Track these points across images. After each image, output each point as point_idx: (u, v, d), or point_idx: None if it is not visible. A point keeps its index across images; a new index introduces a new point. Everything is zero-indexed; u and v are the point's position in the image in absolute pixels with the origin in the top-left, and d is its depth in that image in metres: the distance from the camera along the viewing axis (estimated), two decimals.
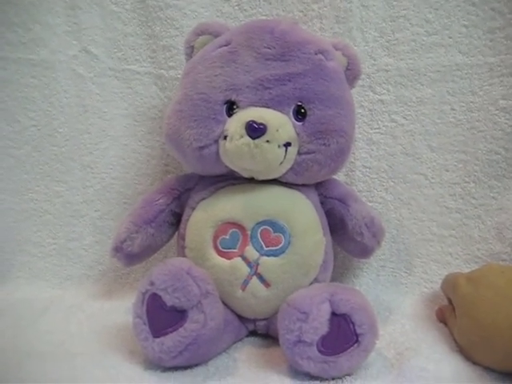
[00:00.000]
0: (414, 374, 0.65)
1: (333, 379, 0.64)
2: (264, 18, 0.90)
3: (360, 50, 0.89)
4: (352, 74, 0.78)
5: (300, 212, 0.73)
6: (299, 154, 0.71)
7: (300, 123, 0.71)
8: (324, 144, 0.71)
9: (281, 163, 0.70)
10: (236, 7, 0.91)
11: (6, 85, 0.93)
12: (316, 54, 0.73)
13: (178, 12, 0.90)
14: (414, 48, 0.88)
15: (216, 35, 0.76)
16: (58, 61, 0.93)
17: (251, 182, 0.73)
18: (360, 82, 0.89)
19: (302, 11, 0.89)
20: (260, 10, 0.90)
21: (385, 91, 0.90)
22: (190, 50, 0.78)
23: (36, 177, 0.95)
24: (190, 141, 0.71)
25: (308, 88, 0.71)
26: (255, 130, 0.67)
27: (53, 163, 0.95)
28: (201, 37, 0.77)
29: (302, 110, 0.71)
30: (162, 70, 0.92)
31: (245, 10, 0.90)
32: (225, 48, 0.73)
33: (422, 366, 0.66)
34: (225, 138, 0.70)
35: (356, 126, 0.88)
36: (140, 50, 0.93)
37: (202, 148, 0.71)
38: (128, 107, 0.94)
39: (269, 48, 0.72)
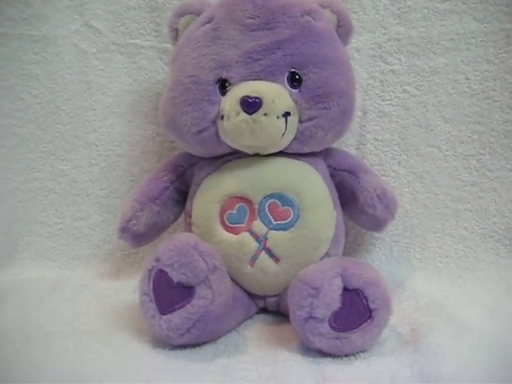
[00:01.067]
0: (429, 350, 0.63)
1: (346, 356, 0.62)
2: None
3: (370, 18, 0.87)
4: (344, 30, 0.76)
5: (309, 184, 0.71)
6: (300, 121, 0.70)
7: (296, 90, 0.69)
8: (325, 108, 0.69)
9: (283, 134, 0.68)
10: None
11: (7, 62, 0.92)
12: (302, 15, 0.71)
13: None
14: (426, 15, 0.86)
15: (198, 13, 0.74)
16: (61, 36, 0.91)
17: (257, 155, 0.71)
18: (370, 52, 0.88)
19: None
20: None
21: (396, 61, 0.88)
22: (175, 33, 0.76)
23: (40, 155, 0.94)
24: (187, 126, 0.70)
25: (299, 53, 0.69)
26: (251, 105, 0.65)
27: (57, 141, 0.93)
28: (183, 18, 0.75)
29: (297, 77, 0.69)
30: (167, 44, 0.90)
31: None
32: (208, 25, 0.71)
33: (437, 342, 0.65)
34: (222, 117, 0.68)
35: (367, 97, 0.88)
36: (144, 24, 0.91)
37: (200, 132, 0.70)
38: (133, 83, 0.92)
39: (252, 18, 0.69)
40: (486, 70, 0.86)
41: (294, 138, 0.70)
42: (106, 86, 0.92)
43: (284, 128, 0.68)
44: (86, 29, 0.91)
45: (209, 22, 0.72)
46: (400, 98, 0.88)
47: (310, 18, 0.71)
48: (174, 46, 0.77)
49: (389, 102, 0.89)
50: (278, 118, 0.66)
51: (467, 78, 0.86)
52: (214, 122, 0.70)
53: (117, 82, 0.92)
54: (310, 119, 0.69)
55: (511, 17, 0.83)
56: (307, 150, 0.73)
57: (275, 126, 0.67)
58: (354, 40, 0.86)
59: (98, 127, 0.93)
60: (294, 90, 0.69)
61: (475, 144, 0.87)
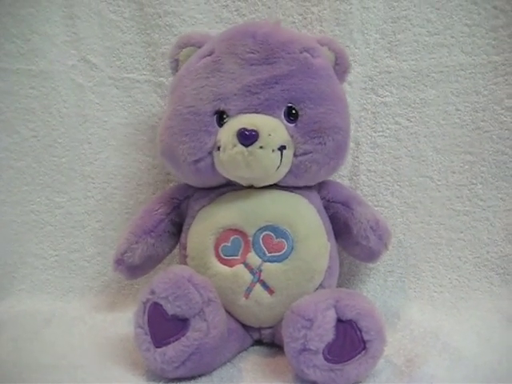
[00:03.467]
0: (424, 381, 0.63)
1: None
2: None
3: (361, 52, 0.89)
4: (341, 68, 0.77)
5: (302, 216, 0.72)
6: (295, 155, 0.70)
7: (292, 125, 0.70)
8: (320, 143, 0.70)
9: (278, 168, 0.69)
10: (235, 12, 0.90)
11: (5, 96, 0.92)
12: (301, 52, 0.72)
13: (177, 19, 0.89)
14: (416, 49, 0.88)
15: (199, 46, 0.75)
16: (57, 71, 0.92)
17: (251, 187, 0.72)
18: (362, 85, 0.89)
19: (302, 14, 0.88)
20: (259, 14, 0.89)
21: (388, 93, 0.89)
22: (175, 64, 0.78)
23: (36, 188, 0.94)
24: (184, 156, 0.71)
25: (296, 88, 0.70)
26: (247, 138, 0.66)
27: (53, 174, 0.94)
28: (184, 49, 0.77)
29: (293, 111, 0.70)
30: (162, 78, 0.91)
31: (243, 15, 0.90)
32: (208, 58, 0.72)
33: (432, 373, 0.65)
34: (218, 148, 0.69)
35: (359, 129, 0.89)
36: (139, 58, 0.92)
37: (196, 161, 0.71)
38: (128, 116, 0.93)
39: (252, 53, 0.71)
40: (476, 102, 0.87)
41: (289, 172, 0.71)
42: (102, 119, 0.93)
43: (279, 161, 0.68)
44: (83, 63, 0.92)
45: (209, 55, 0.73)
46: (392, 129, 0.89)
47: (309, 55, 0.72)
48: (173, 77, 0.78)
49: (381, 134, 0.90)
50: (273, 151, 0.67)
51: (457, 109, 0.88)
52: (210, 153, 0.70)
53: (112, 115, 0.93)
54: (305, 153, 0.70)
55: (498, 50, 0.85)
56: (301, 184, 0.73)
57: (270, 159, 0.67)
58: None
59: (94, 160, 0.94)
60: (290, 125, 0.70)
61: (467, 174, 0.88)
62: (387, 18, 0.88)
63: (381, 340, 0.63)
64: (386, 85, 0.89)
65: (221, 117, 0.71)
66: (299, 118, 0.70)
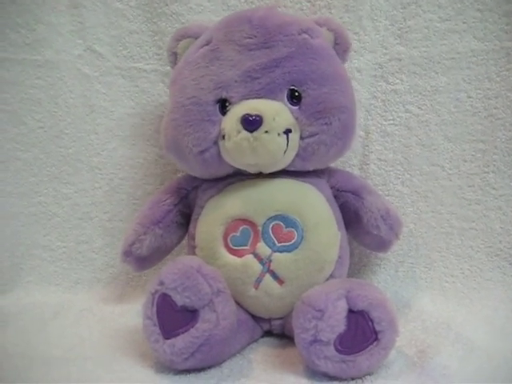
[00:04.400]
0: (436, 372, 0.63)
1: (352, 379, 0.62)
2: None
3: (371, 38, 0.87)
4: (341, 47, 0.76)
5: (312, 206, 0.71)
6: (302, 138, 0.70)
7: (296, 107, 0.70)
8: (326, 123, 0.69)
9: (285, 152, 0.68)
10: (242, 0, 0.89)
11: (11, 86, 0.92)
12: (299, 34, 0.71)
13: (184, 6, 0.88)
14: (426, 35, 0.86)
15: (196, 37, 0.75)
16: (63, 61, 0.92)
17: (260, 176, 0.71)
18: (372, 73, 0.88)
19: (310, 1, 0.87)
20: (267, 1, 0.88)
21: (398, 81, 0.88)
22: (174, 57, 0.77)
23: (44, 179, 0.93)
24: (189, 147, 0.70)
25: (297, 70, 0.70)
26: (251, 123, 0.65)
27: (60, 165, 0.93)
28: (181, 41, 0.76)
29: (296, 94, 0.70)
30: (169, 67, 0.89)
31: (251, 2, 0.88)
32: (206, 47, 0.72)
33: (444, 363, 0.64)
34: (223, 137, 0.68)
35: (369, 117, 0.88)
36: (146, 47, 0.92)
37: (202, 152, 0.70)
38: (135, 106, 0.93)
39: (250, 38, 0.70)
40: (488, 88, 0.85)
41: (296, 155, 0.70)
42: (109, 109, 0.93)
43: (285, 145, 0.68)
44: (89, 53, 0.92)
45: (207, 44, 0.72)
46: (402, 117, 0.88)
47: (307, 36, 0.72)
48: (173, 70, 0.77)
49: (391, 122, 0.89)
50: (279, 135, 0.67)
51: (469, 97, 0.86)
52: (215, 142, 0.70)
53: (119, 105, 0.93)
54: (311, 135, 0.70)
55: (511, 35, 0.83)
56: (310, 168, 0.73)
57: (276, 143, 0.67)
58: (355, 60, 0.87)
59: (101, 151, 0.93)
60: (294, 107, 0.70)
61: (479, 162, 0.87)
62: (397, 3, 0.86)
63: (393, 331, 0.62)
64: (397, 72, 0.88)
65: (223, 105, 0.70)
66: (302, 100, 0.70)
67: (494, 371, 0.63)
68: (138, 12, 0.91)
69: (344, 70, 0.75)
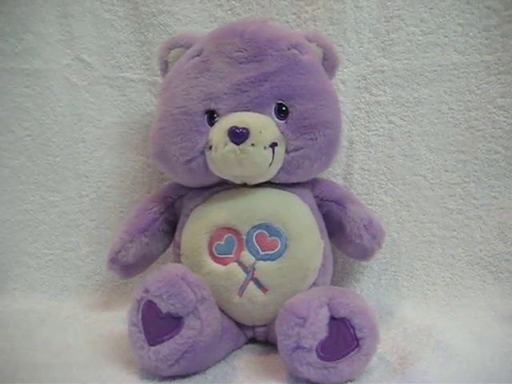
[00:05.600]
0: (417, 378, 0.63)
1: None
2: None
3: (355, 51, 0.89)
4: (330, 63, 0.77)
5: (296, 215, 0.72)
6: (287, 152, 0.71)
7: (283, 121, 0.71)
8: (311, 138, 0.70)
9: (270, 165, 0.69)
10: (229, 12, 0.90)
11: None
12: (289, 49, 0.72)
13: (171, 18, 0.90)
14: (409, 48, 0.88)
15: (187, 47, 0.76)
16: (52, 70, 0.92)
17: (245, 186, 0.72)
18: (356, 84, 0.89)
19: (296, 13, 0.89)
20: (253, 13, 0.90)
21: (381, 92, 0.89)
22: (165, 66, 0.78)
23: (31, 187, 0.94)
24: (176, 156, 0.71)
25: (286, 85, 0.70)
26: (238, 136, 0.66)
27: (47, 173, 0.94)
28: (173, 51, 0.77)
29: (284, 108, 0.71)
30: (156, 77, 0.91)
31: (238, 14, 0.90)
32: (197, 58, 0.73)
33: (424, 370, 0.65)
34: (210, 148, 0.69)
35: (353, 128, 0.89)
36: (133, 57, 0.93)
37: (189, 161, 0.71)
38: (122, 115, 0.93)
39: (240, 51, 0.71)
40: (469, 101, 0.87)
41: (281, 168, 0.71)
42: (97, 118, 0.93)
43: (271, 158, 0.68)
44: (77, 62, 0.93)
45: (198, 55, 0.73)
46: (385, 128, 0.90)
47: (297, 52, 0.72)
48: (163, 78, 0.78)
49: (375, 133, 0.90)
50: (265, 148, 0.67)
51: (450, 108, 0.88)
52: (202, 153, 0.70)
53: (107, 114, 0.93)
54: (296, 149, 0.70)
55: (491, 49, 0.85)
56: (294, 180, 0.73)
57: (262, 156, 0.68)
58: (339, 72, 0.88)
59: (89, 159, 0.94)
60: (280, 121, 0.71)
61: (460, 172, 0.88)
62: (381, 17, 0.88)
63: (374, 337, 0.63)
64: (380, 84, 0.89)
65: (211, 116, 0.71)
66: (289, 115, 0.71)
67: (473, 377, 0.64)
68: (126, 22, 0.92)
69: (331, 87, 0.76)
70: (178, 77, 0.73)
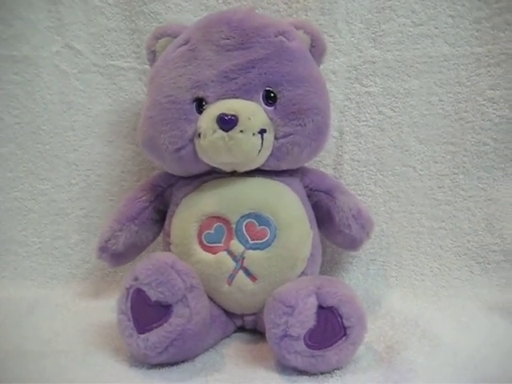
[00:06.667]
0: (403, 367, 0.64)
1: (321, 374, 0.63)
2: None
3: (346, 41, 0.89)
4: (317, 50, 0.77)
5: (285, 204, 0.72)
6: (276, 138, 0.71)
7: (271, 108, 0.71)
8: (300, 124, 0.70)
9: (259, 151, 0.69)
10: (220, 0, 0.90)
11: None
12: (276, 36, 0.72)
13: (162, 6, 0.89)
14: (400, 39, 0.88)
15: (175, 36, 0.76)
16: (41, 57, 0.92)
17: (234, 175, 0.72)
18: (346, 75, 0.90)
19: (287, 3, 0.89)
20: (244, 2, 0.89)
21: (372, 83, 0.90)
22: (152, 55, 0.78)
23: (20, 175, 0.94)
24: (165, 145, 0.71)
25: (273, 71, 0.71)
26: (227, 122, 0.66)
27: (37, 161, 0.93)
28: (160, 40, 0.77)
29: (272, 95, 0.71)
30: (147, 65, 0.89)
31: (229, 3, 0.90)
32: (184, 47, 0.73)
33: (411, 359, 0.66)
34: (199, 135, 0.69)
35: (343, 118, 0.89)
36: (124, 45, 0.92)
37: (178, 150, 0.71)
38: (113, 103, 0.93)
39: (228, 39, 0.71)
40: (459, 92, 0.88)
41: (271, 155, 0.71)
42: (86, 106, 0.93)
43: (260, 145, 0.69)
44: (67, 50, 0.92)
45: (185, 44, 0.73)
46: (376, 119, 0.90)
47: (284, 39, 0.73)
48: (151, 68, 0.78)
49: (365, 123, 0.90)
50: (253, 134, 0.68)
51: (440, 100, 0.88)
52: (191, 140, 0.70)
53: (97, 102, 0.93)
54: (285, 136, 0.71)
55: (481, 41, 0.86)
56: (284, 167, 0.74)
57: (251, 143, 0.68)
58: (330, 62, 0.88)
59: (78, 147, 0.93)
60: (269, 108, 0.71)
61: (449, 164, 0.89)
62: (372, 7, 0.88)
63: (361, 326, 0.63)
64: (371, 75, 0.89)
65: (200, 104, 0.71)
66: (278, 101, 0.71)
67: (459, 367, 0.64)
68: (116, 10, 0.91)
69: (319, 73, 0.76)
70: (166, 66, 0.73)
